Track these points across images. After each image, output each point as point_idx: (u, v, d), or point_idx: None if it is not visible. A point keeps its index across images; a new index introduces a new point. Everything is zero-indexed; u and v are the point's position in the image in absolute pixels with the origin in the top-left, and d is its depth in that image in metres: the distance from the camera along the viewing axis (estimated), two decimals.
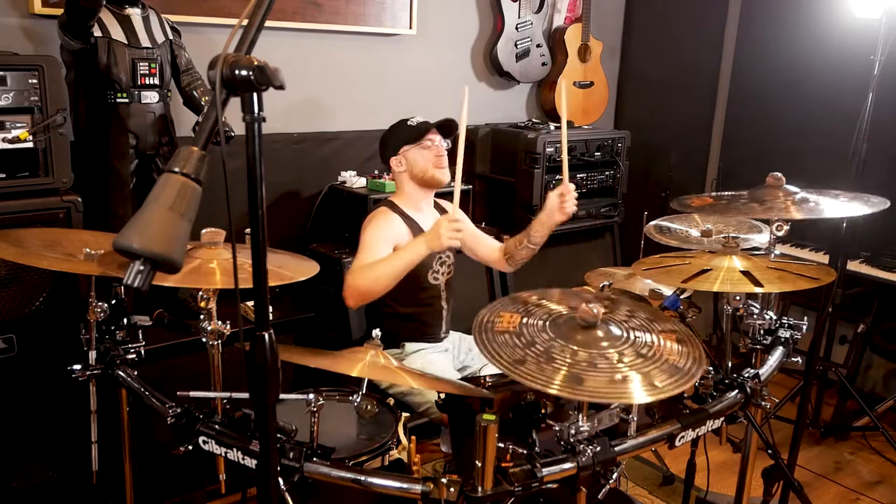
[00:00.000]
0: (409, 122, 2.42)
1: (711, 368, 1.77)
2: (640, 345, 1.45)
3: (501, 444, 1.37)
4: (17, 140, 2.13)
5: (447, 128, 2.41)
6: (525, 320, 1.50)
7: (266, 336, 1.06)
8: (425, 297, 2.47)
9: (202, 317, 1.70)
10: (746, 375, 1.78)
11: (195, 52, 2.71)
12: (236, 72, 0.95)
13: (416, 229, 2.40)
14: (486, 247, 2.61)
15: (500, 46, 3.75)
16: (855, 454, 3.17)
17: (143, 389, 1.74)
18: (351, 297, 2.25)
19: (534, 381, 1.30)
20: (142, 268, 0.91)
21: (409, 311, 2.45)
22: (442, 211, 2.57)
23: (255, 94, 0.97)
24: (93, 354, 1.86)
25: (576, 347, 1.40)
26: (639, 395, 1.31)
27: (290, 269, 1.78)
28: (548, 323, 1.49)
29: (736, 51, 4.07)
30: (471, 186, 3.38)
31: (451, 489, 1.34)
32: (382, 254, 2.27)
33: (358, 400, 1.78)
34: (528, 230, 2.45)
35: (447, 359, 2.51)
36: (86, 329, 1.87)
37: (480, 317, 1.50)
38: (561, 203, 2.32)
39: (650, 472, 2.92)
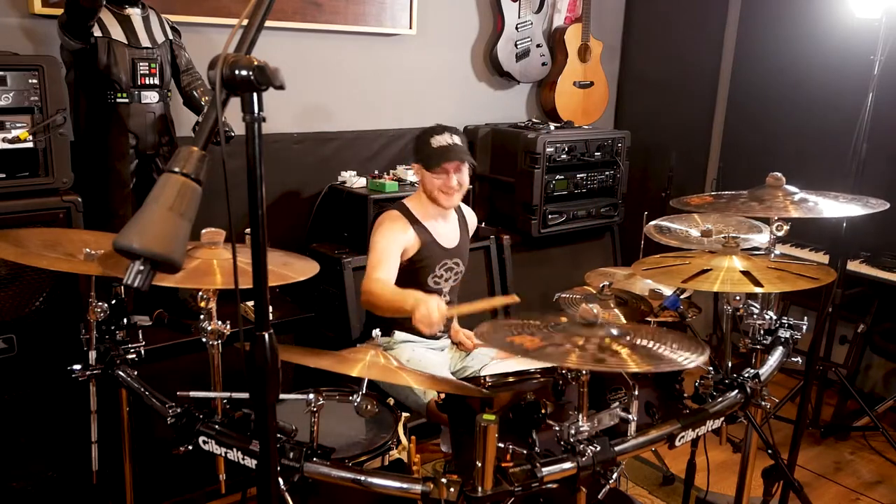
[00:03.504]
0: (432, 142, 2.40)
1: (711, 368, 1.78)
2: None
3: (501, 444, 1.37)
4: (17, 140, 2.13)
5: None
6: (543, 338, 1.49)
7: (266, 336, 1.06)
8: None
9: (202, 317, 1.71)
10: (746, 375, 1.79)
11: (195, 52, 2.70)
12: (236, 72, 0.95)
13: (424, 235, 2.44)
14: None
15: (500, 46, 3.75)
16: (855, 454, 3.17)
17: (143, 389, 1.74)
18: (363, 301, 2.31)
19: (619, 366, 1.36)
20: (142, 268, 0.92)
21: None
22: (460, 213, 2.61)
23: (255, 94, 0.97)
24: (93, 354, 1.86)
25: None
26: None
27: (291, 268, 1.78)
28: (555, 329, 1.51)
29: (736, 51, 4.06)
30: (471, 187, 3.37)
31: (451, 489, 1.35)
32: (393, 259, 2.32)
33: (358, 400, 1.78)
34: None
35: (442, 357, 2.51)
36: (86, 329, 1.87)
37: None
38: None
39: (650, 472, 2.92)
